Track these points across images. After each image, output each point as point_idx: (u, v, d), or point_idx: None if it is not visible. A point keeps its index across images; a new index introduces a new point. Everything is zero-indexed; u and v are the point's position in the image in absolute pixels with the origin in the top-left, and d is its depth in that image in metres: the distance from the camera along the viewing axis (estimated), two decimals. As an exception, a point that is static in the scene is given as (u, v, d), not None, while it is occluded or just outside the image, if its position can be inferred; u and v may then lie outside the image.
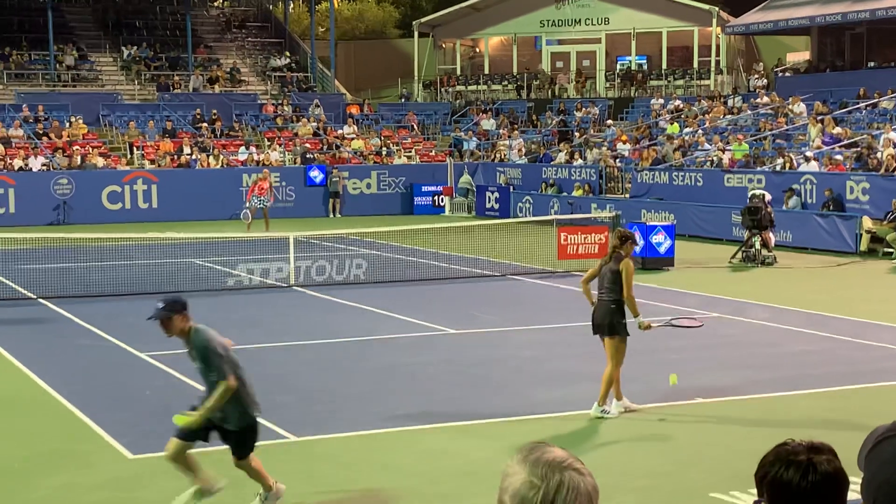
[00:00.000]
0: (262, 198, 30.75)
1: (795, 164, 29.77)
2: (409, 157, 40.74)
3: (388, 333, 16.13)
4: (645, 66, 47.71)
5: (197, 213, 34.49)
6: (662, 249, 23.21)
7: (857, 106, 34.98)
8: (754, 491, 2.71)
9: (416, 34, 50.20)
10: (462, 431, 10.81)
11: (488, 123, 43.86)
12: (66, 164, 36.16)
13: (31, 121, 38.84)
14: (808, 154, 29.95)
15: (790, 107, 36.09)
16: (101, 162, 36.71)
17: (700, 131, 36.90)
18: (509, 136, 41.53)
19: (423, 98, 49.18)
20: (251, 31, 50.17)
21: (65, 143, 37.58)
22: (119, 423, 11.15)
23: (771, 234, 24.43)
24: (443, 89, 48.89)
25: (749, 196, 25.14)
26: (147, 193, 35.66)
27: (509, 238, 26.17)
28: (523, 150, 40.73)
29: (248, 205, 31.16)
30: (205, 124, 40.46)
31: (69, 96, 41.35)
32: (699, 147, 35.18)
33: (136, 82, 44.23)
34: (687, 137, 36.65)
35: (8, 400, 12.49)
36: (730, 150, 33.28)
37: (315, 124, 41.83)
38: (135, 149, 38.48)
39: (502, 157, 40.40)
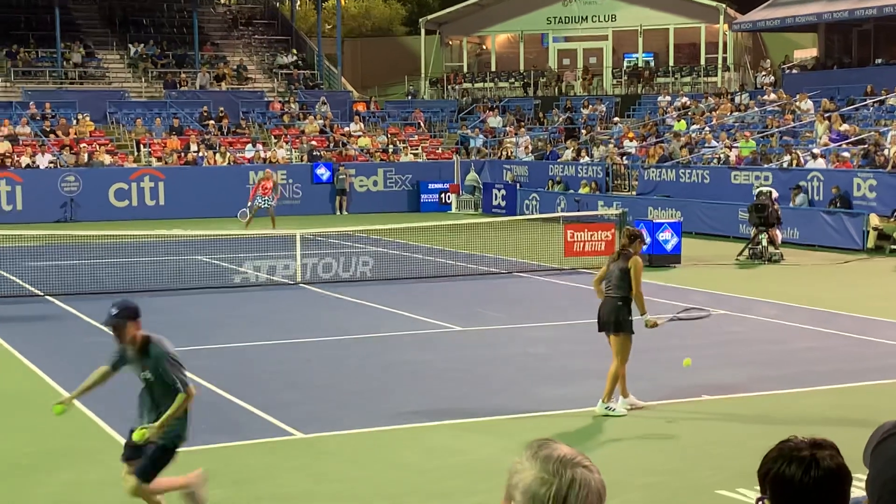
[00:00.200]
0: (266, 197, 30.84)
1: (802, 161, 29.74)
2: (415, 155, 40.74)
3: (394, 330, 16.14)
4: (652, 63, 47.66)
5: (204, 210, 34.52)
6: (669, 247, 23.20)
7: (865, 103, 34.91)
8: (759, 488, 2.72)
9: (422, 31, 50.20)
10: (468, 428, 10.82)
11: (495, 121, 43.85)
12: (73, 162, 36.22)
13: (38, 118, 38.91)
14: (816, 151, 29.91)
15: (797, 104, 36.03)
16: (108, 159, 36.76)
17: (707, 128, 36.85)
18: (516, 134, 41.51)
19: (429, 95, 49.18)
20: (258, 29, 50.20)
21: (72, 140, 37.64)
22: (126, 420, 11.14)
23: (778, 232, 24.41)
24: (449, 87, 48.87)
25: (756, 193, 25.12)
26: (154, 191, 35.71)
27: (516, 235, 26.16)
28: (530, 147, 40.72)
29: (249, 204, 31.23)
30: (212, 122, 40.50)
31: (76, 94, 41.40)
32: (706, 144, 35.14)
33: (142, 80, 44.28)
34: (694, 134, 36.62)
35: (15, 396, 12.53)
36: (737, 147, 33.25)
37: (322, 122, 41.83)
38: (142, 146, 38.53)
39: (509, 154, 40.39)
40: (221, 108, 41.28)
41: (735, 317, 17.15)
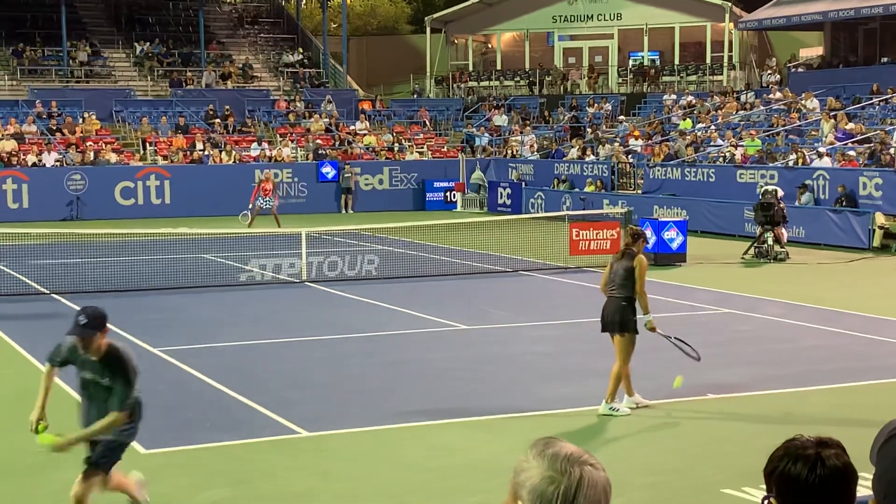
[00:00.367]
0: (267, 199, 30.96)
1: (808, 159, 29.69)
2: (421, 153, 40.74)
3: (399, 329, 16.14)
4: (657, 62, 47.63)
5: (209, 208, 34.57)
6: (674, 245, 23.18)
7: (871, 101, 34.86)
8: (765, 487, 2.71)
9: (428, 30, 50.20)
10: (472, 427, 10.82)
11: (500, 119, 43.83)
12: (79, 160, 36.27)
13: (44, 117, 38.96)
14: (821, 150, 29.87)
15: (803, 102, 35.99)
16: (113, 158, 36.81)
17: (712, 127, 36.82)
18: (521, 132, 41.50)
19: (435, 94, 49.18)
20: (263, 27, 50.23)
21: (78, 139, 37.69)
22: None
23: (783, 230, 24.38)
24: (455, 85, 48.87)
25: (762, 192, 25.06)
26: (160, 189, 35.74)
27: (521, 234, 26.15)
28: (535, 145, 40.71)
29: (251, 206, 31.27)
30: (217, 120, 40.52)
31: (82, 92, 41.45)
32: (711, 143, 35.11)
33: (148, 78, 44.33)
34: (699, 133, 36.59)
35: (20, 394, 12.53)
36: (742, 145, 33.21)
37: (327, 120, 41.85)
38: (147, 145, 38.57)
39: (514, 152, 40.38)
40: (227, 107, 41.31)
41: (740, 315, 17.13)
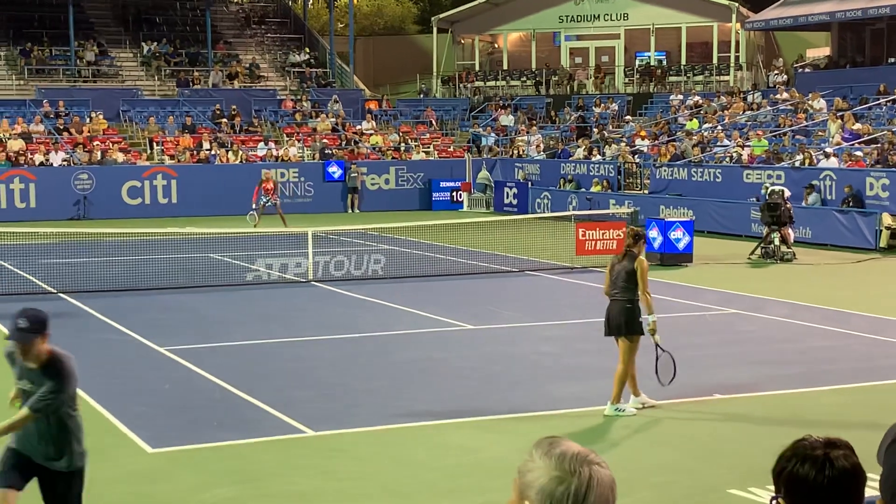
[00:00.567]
0: (268, 197, 31.06)
1: (815, 160, 29.66)
2: (427, 153, 40.75)
3: (405, 329, 16.15)
4: (664, 62, 47.59)
5: (216, 208, 34.60)
6: (681, 246, 23.16)
7: (878, 102, 34.80)
8: (772, 487, 2.71)
9: (434, 30, 50.21)
10: (479, 427, 10.82)
11: (507, 119, 43.83)
12: (86, 160, 36.32)
13: (51, 116, 39.03)
14: (828, 150, 29.83)
15: (810, 103, 35.94)
16: (121, 157, 36.86)
17: (719, 127, 36.79)
18: (528, 132, 41.49)
19: (441, 94, 49.19)
20: (270, 27, 50.27)
21: (85, 138, 37.76)
22: (139, 416, 11.21)
23: (790, 231, 24.35)
24: (461, 85, 48.87)
25: (769, 192, 25.02)
26: (167, 189, 35.79)
27: (527, 234, 26.15)
28: (541, 145, 40.70)
29: (255, 207, 31.30)
30: (224, 120, 40.56)
31: (89, 92, 41.51)
32: (718, 143, 35.07)
33: (155, 78, 44.38)
34: (706, 133, 36.56)
35: (28, 393, 12.57)
36: (749, 146, 33.17)
37: (334, 120, 41.87)
38: (154, 144, 38.62)
39: (520, 152, 40.37)
40: (234, 107, 41.35)
41: (747, 316, 17.12)
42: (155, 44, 45.55)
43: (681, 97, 42.01)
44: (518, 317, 17.15)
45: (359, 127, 41.87)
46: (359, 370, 13.43)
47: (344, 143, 40.43)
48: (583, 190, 34.62)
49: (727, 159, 32.84)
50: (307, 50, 48.36)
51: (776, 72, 42.86)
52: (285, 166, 37.22)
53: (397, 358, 14.13)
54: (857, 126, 32.26)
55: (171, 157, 37.95)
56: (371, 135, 41.23)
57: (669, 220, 24.47)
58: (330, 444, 10.31)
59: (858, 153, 29.52)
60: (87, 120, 39.19)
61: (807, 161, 29.69)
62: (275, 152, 38.54)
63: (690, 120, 38.70)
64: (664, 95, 43.87)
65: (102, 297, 18.88)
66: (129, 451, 10.09)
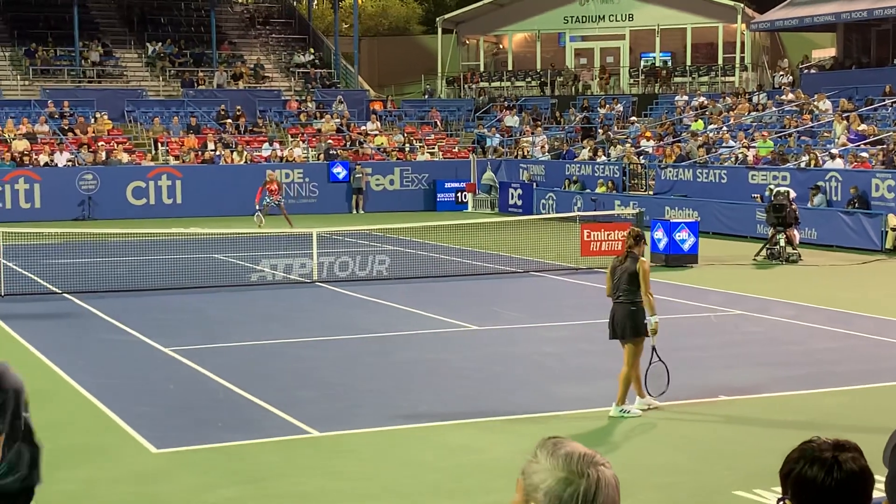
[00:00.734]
0: (272, 198, 31.09)
1: (821, 161, 29.62)
2: (432, 154, 40.75)
3: (410, 329, 16.14)
4: (669, 63, 47.56)
5: (221, 208, 34.62)
6: (686, 246, 23.13)
7: (883, 103, 34.74)
8: (778, 489, 2.70)
9: (439, 30, 50.19)
10: (483, 428, 10.81)
11: (512, 120, 43.80)
12: (91, 160, 36.36)
13: (56, 117, 39.06)
14: (834, 151, 29.79)
15: (815, 103, 35.89)
16: (125, 158, 36.89)
17: (724, 128, 36.74)
18: (532, 133, 41.46)
19: (446, 94, 49.17)
20: (275, 28, 50.29)
21: (90, 139, 37.78)
22: (143, 417, 11.20)
23: (795, 232, 24.31)
24: (466, 86, 48.87)
25: (774, 193, 24.97)
26: (171, 189, 35.81)
27: (532, 235, 26.13)
28: (546, 146, 40.67)
29: (259, 207, 31.32)
30: (229, 120, 40.58)
31: (94, 92, 41.56)
32: (723, 144, 35.03)
33: (160, 78, 44.42)
34: (711, 134, 36.52)
35: (32, 393, 12.50)
36: (754, 147, 33.13)
37: (338, 120, 41.88)
38: (159, 145, 38.65)
39: (525, 153, 40.35)
40: (238, 107, 41.37)
41: (752, 317, 17.09)
42: (160, 44, 45.58)
43: (686, 98, 41.97)
44: (522, 318, 17.14)
45: (363, 127, 41.87)
46: (362, 371, 13.42)
47: (348, 143, 40.43)
48: (588, 191, 34.59)
49: (732, 160, 32.80)
50: (312, 50, 48.37)
51: (781, 73, 42.81)
52: (290, 167, 37.23)
53: (401, 358, 14.12)
54: (863, 127, 32.21)
55: (176, 157, 37.97)
56: (376, 135, 41.22)
57: (675, 221, 24.44)
58: (333, 444, 10.29)
59: (864, 154, 29.47)
60: (92, 120, 39.21)
61: (812, 162, 29.65)
62: (279, 153, 38.54)
63: (695, 121, 38.66)
64: (669, 96, 43.84)
65: (107, 298, 18.89)
66: (133, 451, 10.08)
